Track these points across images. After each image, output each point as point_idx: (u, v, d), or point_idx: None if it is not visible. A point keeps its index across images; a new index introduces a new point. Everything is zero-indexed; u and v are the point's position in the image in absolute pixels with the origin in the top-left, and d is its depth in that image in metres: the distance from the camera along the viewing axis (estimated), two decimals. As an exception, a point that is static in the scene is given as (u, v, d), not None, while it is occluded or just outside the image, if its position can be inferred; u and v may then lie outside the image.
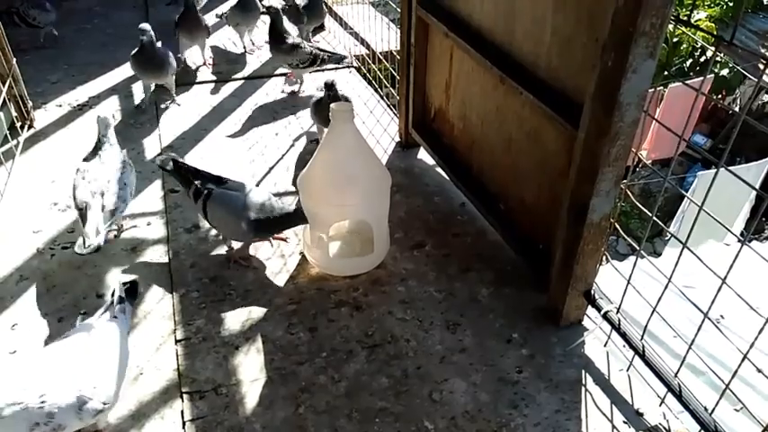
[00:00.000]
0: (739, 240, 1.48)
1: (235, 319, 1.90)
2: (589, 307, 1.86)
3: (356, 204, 1.99)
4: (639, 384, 1.72)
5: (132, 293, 1.76)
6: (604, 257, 1.82)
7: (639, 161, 1.68)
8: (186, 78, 3.48)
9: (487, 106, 2.19)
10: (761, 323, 1.29)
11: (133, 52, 2.99)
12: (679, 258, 1.48)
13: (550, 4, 1.73)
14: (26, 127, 2.91)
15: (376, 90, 3.47)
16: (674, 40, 6.50)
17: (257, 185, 2.52)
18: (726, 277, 1.35)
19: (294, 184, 2.50)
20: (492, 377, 1.73)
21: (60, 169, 2.57)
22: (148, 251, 2.19)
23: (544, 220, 1.96)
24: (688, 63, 7.09)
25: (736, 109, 7.46)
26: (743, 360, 1.36)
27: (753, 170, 5.56)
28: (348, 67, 3.73)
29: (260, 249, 2.20)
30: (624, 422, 1.62)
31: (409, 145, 2.85)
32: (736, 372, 1.39)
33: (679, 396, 1.54)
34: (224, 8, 4.14)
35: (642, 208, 1.74)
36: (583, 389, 1.70)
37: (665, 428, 1.60)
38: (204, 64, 3.63)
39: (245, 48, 3.85)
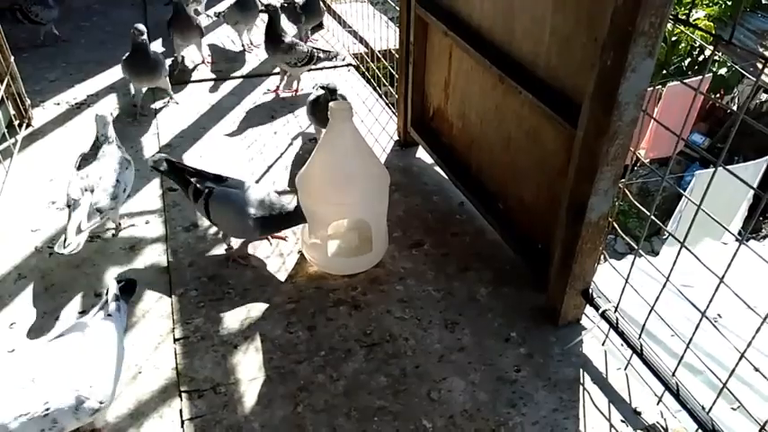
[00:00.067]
0: (737, 239, 1.48)
1: (233, 318, 1.90)
2: (587, 306, 1.87)
3: (355, 203, 1.99)
4: (637, 383, 1.72)
5: (128, 291, 1.75)
6: (602, 256, 1.82)
7: (638, 160, 1.68)
8: (183, 77, 3.48)
9: (486, 105, 2.19)
10: (758, 322, 1.30)
11: (125, 56, 2.92)
12: (677, 258, 1.48)
13: (550, 4, 1.73)
14: (24, 125, 2.91)
15: (375, 89, 3.47)
16: (673, 39, 6.51)
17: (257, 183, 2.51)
18: (723, 276, 1.35)
19: (293, 182, 2.50)
20: (490, 376, 1.73)
21: (58, 168, 2.57)
22: (147, 250, 2.19)
23: (543, 220, 1.96)
24: (686, 62, 7.10)
25: (734, 108, 7.47)
26: (740, 359, 1.37)
27: (750, 169, 5.58)
28: (347, 65, 3.73)
29: (258, 248, 2.20)
30: (622, 421, 1.62)
31: (408, 144, 2.85)
32: (733, 371, 1.40)
33: (677, 395, 1.55)
34: (222, 7, 4.13)
35: (640, 207, 1.75)
36: (581, 388, 1.71)
37: (662, 427, 1.61)
38: (203, 62, 3.63)
39: (243, 46, 3.84)
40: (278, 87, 3.35)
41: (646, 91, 1.47)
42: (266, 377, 1.71)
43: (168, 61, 3.56)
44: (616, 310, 1.78)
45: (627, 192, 1.73)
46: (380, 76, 3.49)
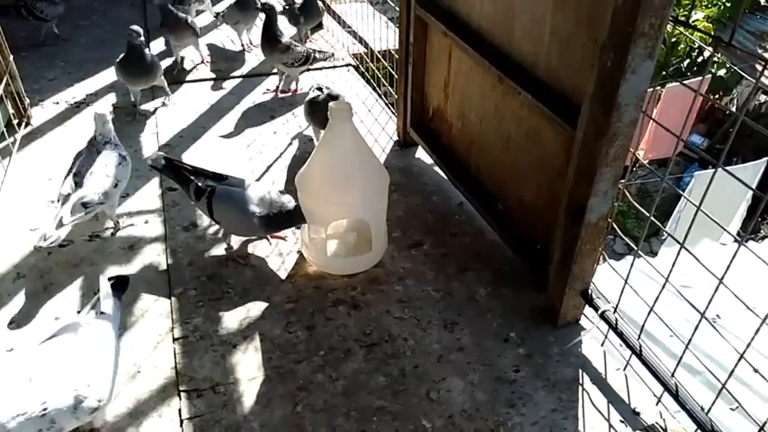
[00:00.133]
0: (736, 240, 1.48)
1: (232, 318, 1.90)
2: (586, 306, 1.87)
3: (354, 203, 2.00)
4: (636, 384, 1.73)
5: (121, 288, 1.72)
6: (602, 257, 1.82)
7: (637, 161, 1.68)
8: (181, 77, 3.48)
9: (486, 105, 2.19)
10: (757, 323, 1.30)
11: (119, 58, 2.88)
12: (676, 258, 1.49)
13: (549, 4, 1.74)
14: (23, 124, 2.90)
15: (374, 89, 3.47)
16: (672, 40, 6.51)
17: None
18: (723, 277, 1.35)
19: (292, 182, 2.50)
20: (489, 376, 1.73)
21: (57, 167, 2.56)
22: (146, 249, 2.19)
23: (542, 220, 1.96)
24: (685, 63, 7.11)
25: (733, 109, 7.48)
26: (739, 360, 1.37)
27: (749, 170, 5.58)
28: (346, 65, 3.73)
29: (258, 247, 2.20)
30: (621, 421, 1.63)
31: (407, 144, 2.85)
32: (732, 371, 1.40)
33: (676, 395, 1.55)
34: (221, 7, 4.13)
35: (640, 208, 1.75)
36: (580, 388, 1.71)
37: (661, 428, 1.61)
38: (202, 62, 3.63)
39: (243, 46, 3.84)
40: (277, 87, 3.35)
41: (645, 92, 1.47)
42: (265, 377, 1.71)
43: (169, 61, 3.57)
44: (615, 311, 1.78)
45: (626, 192, 1.73)
46: (380, 76, 3.49)
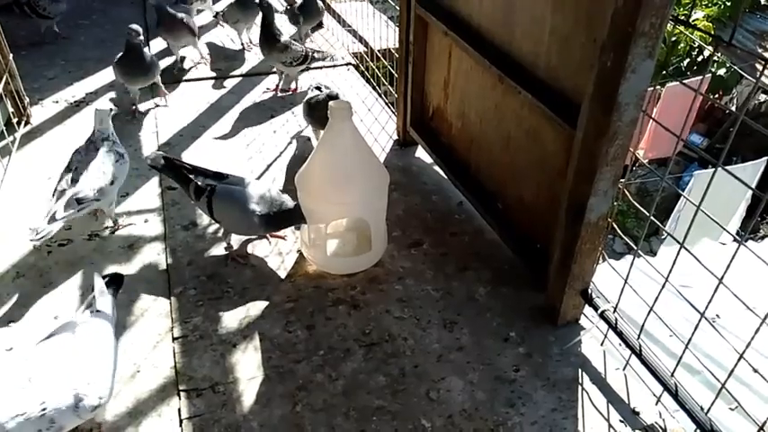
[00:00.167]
0: (736, 240, 1.48)
1: (232, 317, 1.90)
2: (586, 306, 1.87)
3: (354, 202, 1.99)
4: (636, 383, 1.73)
5: (115, 286, 1.71)
6: (601, 256, 1.82)
7: (637, 160, 1.68)
8: (181, 76, 3.47)
9: (486, 105, 2.19)
10: (757, 323, 1.30)
11: (118, 57, 2.87)
12: (676, 258, 1.49)
13: (549, 4, 1.73)
14: (23, 123, 2.90)
15: (374, 88, 3.47)
16: (672, 39, 6.51)
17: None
18: (722, 277, 1.35)
19: (292, 181, 2.50)
20: (489, 376, 1.73)
21: (57, 166, 2.55)
22: (145, 248, 2.18)
23: (542, 220, 1.96)
24: (685, 62, 7.10)
25: (733, 109, 7.48)
26: (739, 359, 1.37)
27: (749, 169, 5.59)
28: (346, 64, 3.73)
29: (257, 247, 2.20)
30: (620, 421, 1.63)
31: (407, 143, 2.85)
32: (732, 371, 1.40)
33: (675, 395, 1.55)
34: (220, 7, 4.13)
35: (639, 207, 1.75)
36: (579, 387, 1.71)
37: (661, 427, 1.61)
38: (201, 61, 3.62)
39: (242, 45, 3.84)
40: (277, 86, 3.34)
41: (645, 92, 1.47)
42: (265, 376, 1.71)
43: (169, 60, 3.57)
44: (615, 311, 1.78)
45: (626, 192, 1.73)
46: (380, 75, 3.49)
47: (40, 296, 1.96)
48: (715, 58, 6.43)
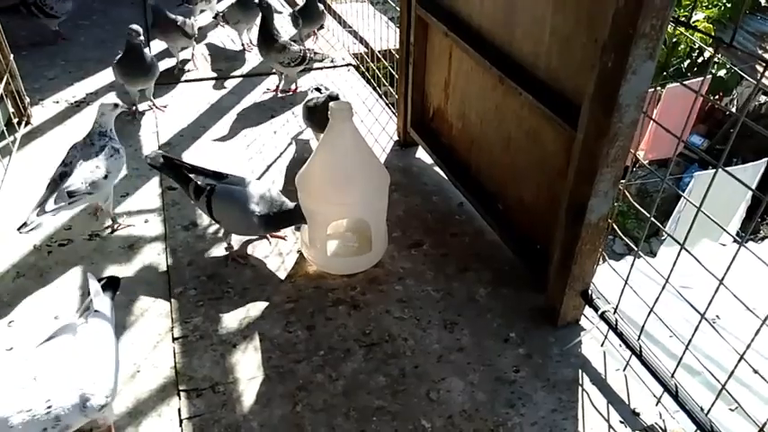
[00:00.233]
0: (736, 241, 1.48)
1: (232, 317, 1.90)
2: (586, 307, 1.87)
3: (354, 203, 2.00)
4: (636, 384, 1.73)
5: (112, 288, 1.70)
6: (602, 257, 1.82)
7: (637, 161, 1.68)
8: (180, 77, 3.48)
9: (486, 106, 2.19)
10: (757, 324, 1.30)
11: (118, 58, 2.87)
12: (676, 259, 1.49)
13: (550, 5, 1.74)
14: (23, 123, 2.90)
15: (374, 89, 3.47)
16: (673, 40, 6.51)
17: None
18: (723, 278, 1.35)
19: (292, 182, 2.50)
20: (489, 376, 1.73)
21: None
22: (146, 249, 2.18)
23: (542, 220, 1.96)
24: (686, 64, 7.11)
25: (734, 110, 7.48)
26: (739, 360, 1.37)
27: (749, 171, 5.59)
28: (347, 65, 3.73)
29: (258, 247, 2.20)
30: (621, 422, 1.63)
31: (408, 144, 2.85)
32: (732, 372, 1.40)
33: (675, 396, 1.55)
34: (220, 8, 4.13)
35: (640, 208, 1.75)
36: (580, 388, 1.71)
37: (661, 428, 1.61)
38: (193, 63, 3.58)
39: (243, 45, 3.84)
40: (277, 87, 3.35)
41: (646, 93, 1.47)
42: (265, 376, 1.71)
43: (170, 61, 3.57)
44: (615, 311, 1.78)
45: (626, 193, 1.73)
46: (380, 76, 3.49)
47: (39, 296, 1.96)
48: (715, 59, 6.43)
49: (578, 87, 1.65)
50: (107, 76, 3.43)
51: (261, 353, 1.78)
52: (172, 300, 1.96)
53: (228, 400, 1.64)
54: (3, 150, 2.64)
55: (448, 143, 2.56)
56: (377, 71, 3.52)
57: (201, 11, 4.15)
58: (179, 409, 1.62)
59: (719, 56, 6.39)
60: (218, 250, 2.17)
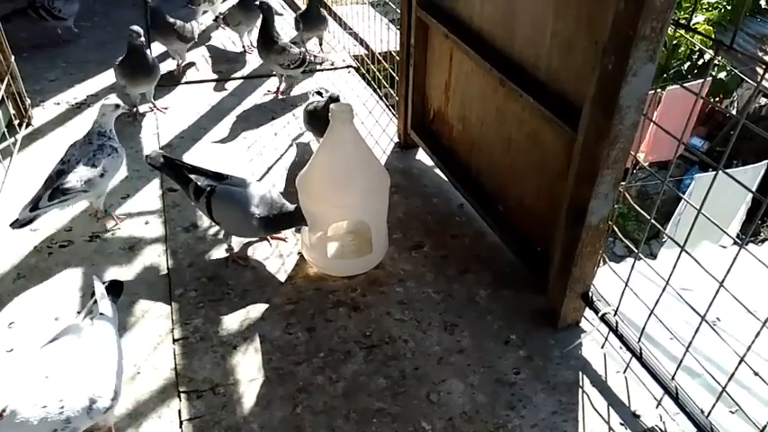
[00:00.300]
0: (736, 243, 1.48)
1: (233, 319, 1.90)
2: (587, 309, 1.87)
3: (355, 204, 2.00)
4: (636, 386, 1.73)
5: (115, 292, 1.71)
6: (602, 259, 1.82)
7: (637, 163, 1.68)
8: (179, 79, 3.48)
9: (487, 108, 2.20)
10: (757, 326, 1.30)
11: (120, 59, 2.86)
12: (677, 261, 1.49)
13: (550, 8, 1.74)
14: (24, 125, 2.90)
15: (375, 90, 3.47)
16: (673, 43, 6.52)
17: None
18: (723, 280, 1.35)
19: (293, 184, 2.51)
20: (489, 378, 1.73)
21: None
22: (146, 250, 2.19)
23: (542, 222, 1.96)
24: (686, 66, 7.11)
25: (734, 112, 7.48)
26: (740, 363, 1.37)
27: (749, 173, 5.59)
28: (347, 67, 3.73)
29: (258, 249, 2.20)
30: (621, 424, 1.63)
31: (408, 146, 2.85)
32: (732, 374, 1.40)
33: (676, 398, 1.55)
34: (223, 8, 4.14)
35: (640, 210, 1.75)
36: (580, 390, 1.71)
37: (661, 430, 1.61)
38: (177, 70, 3.54)
39: (244, 47, 3.85)
40: (278, 89, 3.35)
41: (647, 95, 1.47)
42: (265, 378, 1.71)
43: (171, 63, 3.57)
44: (616, 314, 1.78)
45: (626, 195, 1.73)
46: (381, 77, 3.49)
47: (40, 297, 1.96)
48: (716, 61, 6.43)
49: (579, 89, 1.66)
50: (108, 77, 3.43)
51: (261, 354, 1.78)
52: (172, 301, 1.96)
53: (229, 401, 1.64)
54: (4, 152, 2.65)
55: (448, 145, 2.56)
56: (377, 73, 3.52)
57: (204, 12, 4.15)
58: (179, 411, 1.62)
59: (720, 58, 6.39)
60: (219, 252, 2.17)
